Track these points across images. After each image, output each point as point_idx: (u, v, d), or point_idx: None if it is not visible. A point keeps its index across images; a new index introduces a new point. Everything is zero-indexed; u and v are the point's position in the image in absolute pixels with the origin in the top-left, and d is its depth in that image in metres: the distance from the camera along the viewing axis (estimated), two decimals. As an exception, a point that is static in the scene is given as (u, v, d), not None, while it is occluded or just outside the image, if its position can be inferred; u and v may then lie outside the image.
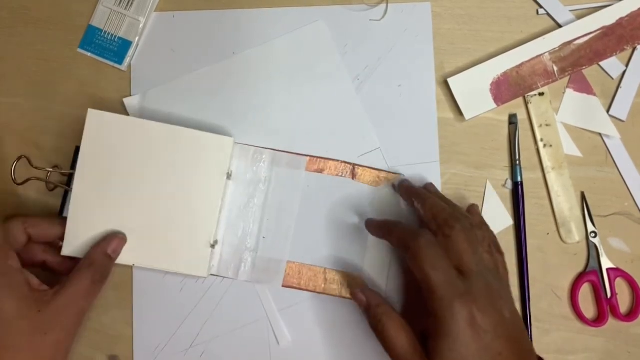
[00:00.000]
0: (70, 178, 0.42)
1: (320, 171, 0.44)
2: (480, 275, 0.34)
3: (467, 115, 0.43)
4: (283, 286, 0.43)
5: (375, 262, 0.42)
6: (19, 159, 0.43)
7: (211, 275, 0.43)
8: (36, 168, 0.43)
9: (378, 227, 0.40)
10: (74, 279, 0.38)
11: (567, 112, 0.44)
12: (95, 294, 0.39)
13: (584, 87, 0.44)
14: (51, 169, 0.43)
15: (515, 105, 0.44)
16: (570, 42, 0.43)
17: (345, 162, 0.44)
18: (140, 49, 0.46)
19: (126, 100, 0.45)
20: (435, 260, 0.33)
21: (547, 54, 0.43)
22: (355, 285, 0.42)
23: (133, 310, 0.44)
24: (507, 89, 0.43)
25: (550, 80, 0.43)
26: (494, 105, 0.43)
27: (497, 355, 0.32)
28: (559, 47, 0.43)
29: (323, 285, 0.42)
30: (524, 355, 0.33)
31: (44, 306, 0.36)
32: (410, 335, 0.34)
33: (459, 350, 0.31)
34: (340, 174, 0.44)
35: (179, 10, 0.46)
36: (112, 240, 0.40)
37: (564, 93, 0.44)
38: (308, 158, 0.44)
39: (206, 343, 0.43)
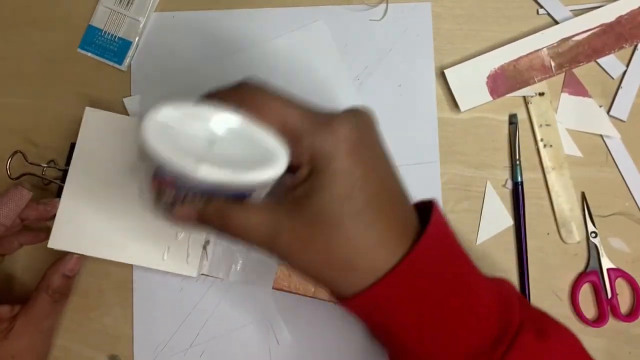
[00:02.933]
0: (65, 174, 0.42)
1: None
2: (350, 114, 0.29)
3: (463, 107, 0.43)
4: (273, 288, 0.42)
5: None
6: (14, 154, 0.43)
7: (202, 275, 0.43)
8: (31, 164, 0.43)
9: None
10: (35, 301, 0.39)
11: (565, 116, 0.44)
12: (58, 312, 0.41)
13: (578, 90, 0.44)
14: (46, 165, 0.43)
15: (515, 105, 0.44)
16: (568, 38, 0.43)
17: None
18: (140, 49, 0.46)
19: (126, 100, 0.45)
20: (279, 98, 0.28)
21: (545, 49, 0.43)
22: None
23: (133, 310, 0.44)
24: (504, 82, 0.43)
25: (547, 76, 0.43)
26: (490, 98, 0.43)
27: (373, 197, 0.27)
28: (557, 42, 0.43)
29: (313, 290, 0.42)
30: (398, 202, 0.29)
31: (9, 333, 0.38)
32: (261, 210, 0.28)
33: (339, 182, 0.26)
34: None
35: (179, 10, 0.46)
36: (69, 261, 0.41)
37: (559, 97, 0.44)
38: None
39: (206, 343, 0.43)
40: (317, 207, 0.26)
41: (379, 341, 0.31)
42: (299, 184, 0.27)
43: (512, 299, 0.30)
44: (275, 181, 0.27)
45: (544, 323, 0.30)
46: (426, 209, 0.29)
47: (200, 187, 0.26)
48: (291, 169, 0.27)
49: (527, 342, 0.27)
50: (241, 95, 0.27)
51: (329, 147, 0.26)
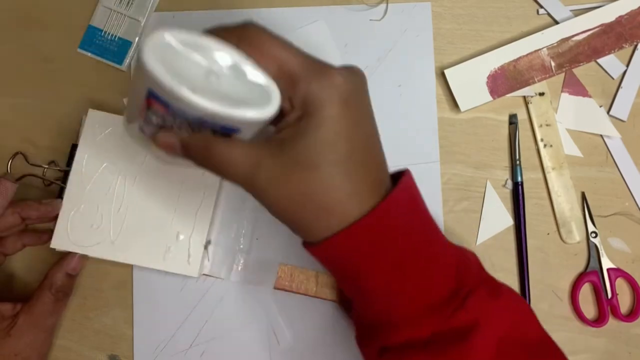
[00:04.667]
0: (65, 175, 0.43)
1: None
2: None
3: (463, 106, 0.43)
4: (275, 288, 0.42)
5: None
6: (14, 155, 0.43)
7: (203, 275, 0.43)
8: (32, 165, 0.43)
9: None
10: (37, 299, 0.40)
11: (565, 116, 0.44)
12: (60, 310, 0.42)
13: (578, 90, 0.44)
14: (47, 166, 0.43)
15: (515, 105, 0.44)
16: (568, 38, 0.43)
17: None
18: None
19: (126, 101, 0.45)
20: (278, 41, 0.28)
21: (545, 49, 0.43)
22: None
23: (133, 310, 0.44)
24: (504, 82, 0.43)
25: (547, 75, 0.43)
26: (490, 98, 0.43)
27: (356, 151, 0.28)
28: (557, 42, 0.43)
29: (315, 289, 0.42)
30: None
31: (12, 329, 0.39)
32: (245, 145, 0.28)
33: (327, 128, 0.27)
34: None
35: (179, 10, 0.46)
36: (72, 260, 0.41)
37: (559, 97, 0.44)
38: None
39: (206, 343, 0.43)
40: (300, 148, 0.27)
41: (344, 289, 0.33)
42: (287, 127, 0.28)
43: (471, 263, 0.32)
44: (264, 124, 0.28)
45: (497, 286, 0.32)
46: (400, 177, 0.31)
47: (188, 115, 0.26)
48: (279, 116, 0.28)
49: (479, 298, 0.29)
50: (242, 34, 0.28)
51: (324, 94, 0.27)
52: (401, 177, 0.30)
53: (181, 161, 0.30)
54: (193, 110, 0.26)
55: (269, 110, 0.27)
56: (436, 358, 0.28)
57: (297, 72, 0.27)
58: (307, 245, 0.30)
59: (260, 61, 0.27)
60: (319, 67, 0.28)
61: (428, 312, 0.29)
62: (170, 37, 0.26)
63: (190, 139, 0.28)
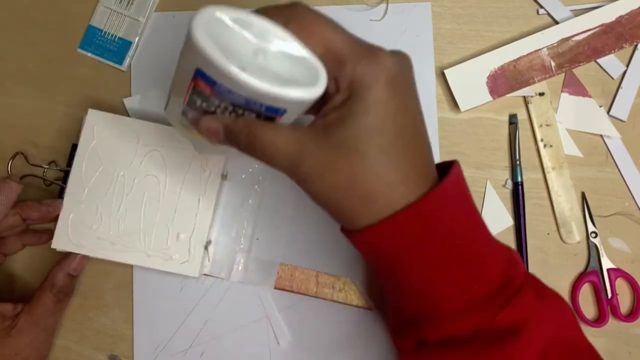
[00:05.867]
0: (66, 175, 0.43)
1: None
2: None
3: (463, 107, 0.43)
4: (275, 288, 0.42)
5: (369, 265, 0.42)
6: (15, 155, 0.43)
7: (204, 275, 0.43)
8: (32, 165, 0.43)
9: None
10: (38, 300, 0.40)
11: (565, 116, 0.44)
12: (61, 311, 0.42)
13: (578, 90, 0.44)
14: (47, 166, 0.43)
15: (515, 105, 0.44)
16: (568, 38, 0.43)
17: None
18: (140, 49, 0.46)
19: (126, 100, 0.45)
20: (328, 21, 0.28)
21: (545, 49, 0.43)
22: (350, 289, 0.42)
23: (133, 310, 0.44)
24: (504, 82, 0.43)
25: (547, 76, 0.43)
26: (490, 98, 0.43)
27: (407, 127, 0.27)
28: (557, 42, 0.43)
29: (315, 289, 0.42)
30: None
31: (13, 329, 0.39)
32: (289, 130, 0.28)
33: (374, 112, 0.26)
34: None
35: (179, 10, 0.46)
36: (73, 261, 0.41)
37: (559, 97, 0.44)
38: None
39: (206, 343, 0.43)
40: (346, 133, 0.26)
41: (382, 279, 0.32)
42: (332, 110, 0.27)
43: (519, 262, 0.31)
44: (309, 105, 0.27)
45: (543, 288, 0.31)
46: (447, 168, 0.30)
47: (235, 95, 0.26)
48: (322, 102, 0.27)
49: (526, 298, 0.28)
50: (291, 14, 0.27)
51: (371, 76, 0.26)
52: (450, 169, 0.29)
53: (221, 149, 0.30)
54: (240, 90, 0.25)
55: (317, 90, 0.26)
56: (479, 357, 0.27)
57: (345, 53, 0.27)
58: (347, 232, 0.29)
59: (308, 41, 0.27)
60: (367, 49, 0.27)
61: (471, 308, 0.28)
62: (221, 14, 0.25)
63: (235, 124, 0.28)
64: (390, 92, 0.27)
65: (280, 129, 0.27)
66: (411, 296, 0.29)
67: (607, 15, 0.43)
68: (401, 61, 0.28)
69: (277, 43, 0.27)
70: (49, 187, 0.44)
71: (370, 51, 0.27)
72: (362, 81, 0.26)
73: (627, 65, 0.44)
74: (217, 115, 0.28)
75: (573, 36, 0.43)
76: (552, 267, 0.43)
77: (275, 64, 0.27)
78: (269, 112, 0.27)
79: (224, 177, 0.42)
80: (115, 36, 0.46)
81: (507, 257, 0.30)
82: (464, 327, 0.28)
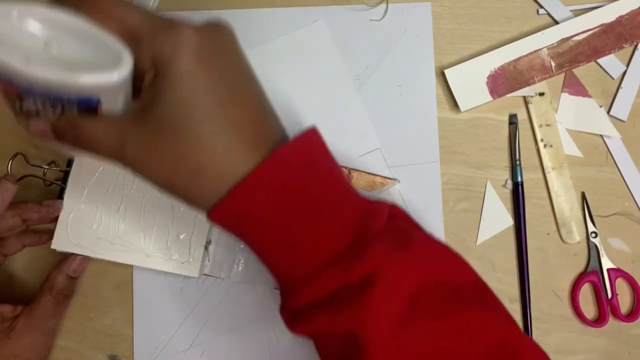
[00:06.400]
0: (66, 175, 0.42)
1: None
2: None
3: (463, 106, 0.43)
4: (275, 288, 0.42)
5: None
6: (15, 155, 0.43)
7: (204, 275, 0.43)
8: (32, 165, 0.43)
9: None
10: (38, 302, 0.40)
11: (565, 116, 0.44)
12: (61, 313, 0.42)
13: (578, 90, 0.44)
14: (47, 166, 0.43)
15: (515, 105, 0.44)
16: (568, 38, 0.43)
17: (342, 167, 0.44)
18: (140, 49, 0.46)
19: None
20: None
21: (545, 49, 0.43)
22: None
23: (133, 310, 0.44)
24: (504, 82, 0.43)
25: (547, 76, 0.43)
26: (490, 98, 0.43)
27: (232, 103, 0.26)
28: (557, 42, 0.43)
29: None
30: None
31: (12, 331, 0.38)
32: (108, 118, 0.27)
33: (181, 85, 0.25)
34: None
35: (179, 10, 0.46)
36: (73, 262, 0.41)
37: (559, 97, 0.44)
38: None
39: (206, 343, 0.43)
40: (160, 112, 0.25)
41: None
42: (146, 91, 0.26)
43: (379, 213, 0.29)
44: (122, 87, 0.26)
45: (411, 238, 0.29)
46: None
47: (39, 90, 0.24)
48: (138, 76, 0.26)
49: (378, 247, 0.27)
50: None
51: (170, 49, 0.25)
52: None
53: (67, 148, 0.28)
54: (36, 84, 0.24)
55: (120, 71, 0.25)
56: (335, 316, 0.27)
57: (139, 28, 0.26)
58: (206, 214, 0.28)
59: (105, 23, 0.26)
60: (165, 23, 0.26)
61: (326, 267, 0.27)
62: (4, 11, 0.24)
63: (58, 121, 0.27)
64: (196, 63, 0.25)
65: (100, 120, 0.26)
66: (271, 267, 0.29)
67: (607, 15, 0.43)
68: (209, 30, 0.27)
69: (69, 30, 0.25)
70: (49, 187, 0.44)
71: (168, 25, 0.26)
72: (162, 56, 0.25)
73: (627, 65, 0.44)
74: (41, 115, 0.27)
75: (573, 36, 0.43)
76: (552, 267, 0.43)
77: (71, 52, 0.25)
78: (84, 104, 0.26)
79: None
80: (115, 36, 0.45)
81: (364, 210, 0.29)
82: (321, 289, 0.27)
